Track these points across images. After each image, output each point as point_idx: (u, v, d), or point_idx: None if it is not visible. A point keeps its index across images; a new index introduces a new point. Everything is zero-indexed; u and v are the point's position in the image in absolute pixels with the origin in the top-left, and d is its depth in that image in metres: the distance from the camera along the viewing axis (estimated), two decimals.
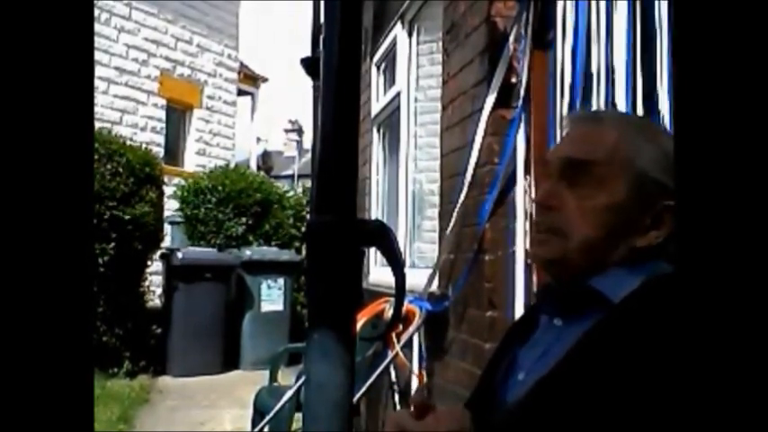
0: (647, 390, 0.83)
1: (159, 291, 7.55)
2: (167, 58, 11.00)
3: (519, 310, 2.39)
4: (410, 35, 3.93)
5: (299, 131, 22.17)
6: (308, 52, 7.37)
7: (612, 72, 1.91)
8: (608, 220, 0.97)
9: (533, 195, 2.23)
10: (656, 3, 1.76)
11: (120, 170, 6.46)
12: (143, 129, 10.38)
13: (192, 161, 11.42)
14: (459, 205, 2.65)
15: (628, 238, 0.97)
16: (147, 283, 7.30)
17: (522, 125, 2.41)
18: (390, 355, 3.02)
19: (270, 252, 7.67)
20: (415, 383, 3.11)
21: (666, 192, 0.96)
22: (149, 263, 7.25)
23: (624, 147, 0.98)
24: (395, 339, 2.99)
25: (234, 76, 12.54)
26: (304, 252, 7.48)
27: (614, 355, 0.88)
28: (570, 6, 2.15)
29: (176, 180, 9.30)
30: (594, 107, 1.98)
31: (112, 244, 6.25)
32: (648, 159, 0.98)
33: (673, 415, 0.79)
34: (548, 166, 1.05)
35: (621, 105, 1.86)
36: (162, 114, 10.95)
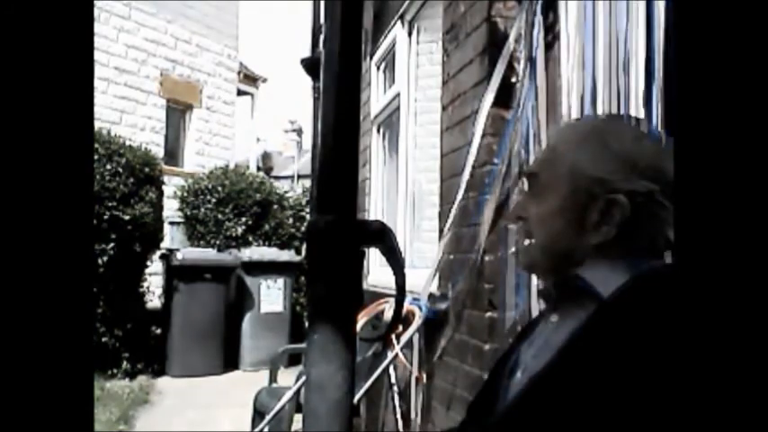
0: (638, 387, 0.83)
1: (159, 291, 7.55)
2: (167, 58, 11.00)
3: (519, 311, 2.39)
4: (410, 35, 3.93)
5: (299, 132, 22.12)
6: (308, 52, 7.39)
7: (615, 72, 1.91)
8: (556, 222, 1.02)
9: None
10: (658, 3, 1.76)
11: (120, 170, 6.45)
12: (142, 129, 10.38)
13: (191, 161, 11.42)
14: (458, 205, 2.65)
15: (580, 236, 1.00)
16: (146, 284, 7.30)
17: (522, 125, 2.41)
18: (390, 355, 3.02)
19: (269, 252, 7.66)
20: (414, 384, 3.11)
21: (610, 186, 0.98)
22: (149, 263, 7.24)
23: (561, 151, 1.05)
24: (395, 340, 2.99)
25: (233, 76, 12.55)
26: (304, 252, 7.49)
27: (605, 353, 0.88)
28: (571, 6, 2.15)
29: (176, 180, 9.29)
30: (595, 108, 1.98)
31: (112, 244, 6.25)
32: (585, 158, 1.01)
33: (663, 412, 0.79)
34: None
35: (625, 106, 1.86)
36: (161, 114, 10.95)
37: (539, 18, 2.33)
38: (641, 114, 1.78)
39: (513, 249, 2.44)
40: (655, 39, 1.75)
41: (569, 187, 1.01)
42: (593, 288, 0.96)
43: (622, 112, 1.85)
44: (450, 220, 2.71)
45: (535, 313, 2.26)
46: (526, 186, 1.11)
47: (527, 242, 1.07)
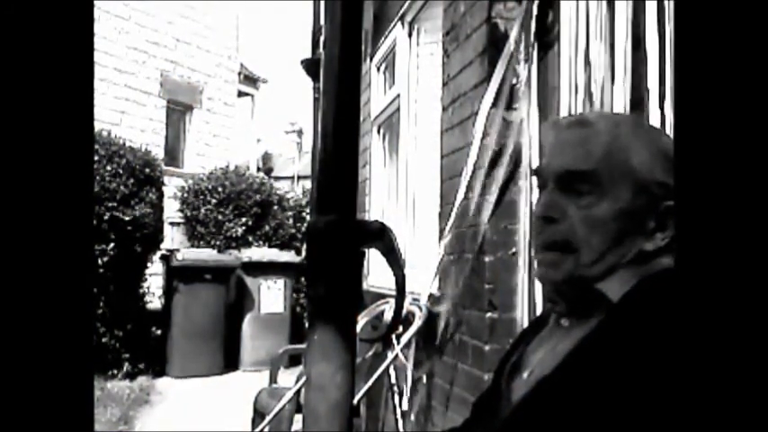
0: (643, 389, 0.83)
1: (159, 292, 7.56)
2: (167, 59, 11.01)
3: (519, 312, 2.39)
4: (410, 36, 3.93)
5: (299, 133, 22.15)
6: (308, 53, 7.40)
7: (614, 72, 1.91)
8: (614, 226, 0.95)
9: (533, 204, 2.23)
10: (657, 3, 1.76)
11: (120, 171, 6.46)
12: (143, 130, 10.39)
13: (191, 162, 11.43)
14: (458, 206, 2.65)
15: (634, 242, 0.96)
16: (146, 285, 7.30)
17: (522, 126, 2.41)
18: (390, 355, 3.02)
19: (270, 253, 7.67)
20: (414, 384, 3.11)
21: (669, 192, 0.95)
22: (149, 264, 7.25)
23: (621, 151, 0.96)
24: (395, 340, 2.99)
25: (234, 77, 12.56)
26: (304, 253, 7.49)
27: (610, 356, 0.88)
28: (571, 7, 2.15)
29: (176, 181, 9.30)
30: (596, 108, 1.98)
31: (112, 245, 6.25)
32: (647, 161, 0.96)
33: (667, 415, 0.79)
34: (541, 177, 1.02)
35: (625, 106, 1.86)
36: (162, 115, 10.96)
37: (538, 18, 2.33)
38: (643, 115, 1.78)
39: (515, 250, 2.44)
40: (666, 37, 1.75)
41: (633, 189, 0.95)
42: (607, 295, 0.95)
43: (621, 112, 1.85)
44: (450, 221, 2.71)
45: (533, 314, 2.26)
46: (555, 184, 0.99)
47: (554, 253, 0.97)
